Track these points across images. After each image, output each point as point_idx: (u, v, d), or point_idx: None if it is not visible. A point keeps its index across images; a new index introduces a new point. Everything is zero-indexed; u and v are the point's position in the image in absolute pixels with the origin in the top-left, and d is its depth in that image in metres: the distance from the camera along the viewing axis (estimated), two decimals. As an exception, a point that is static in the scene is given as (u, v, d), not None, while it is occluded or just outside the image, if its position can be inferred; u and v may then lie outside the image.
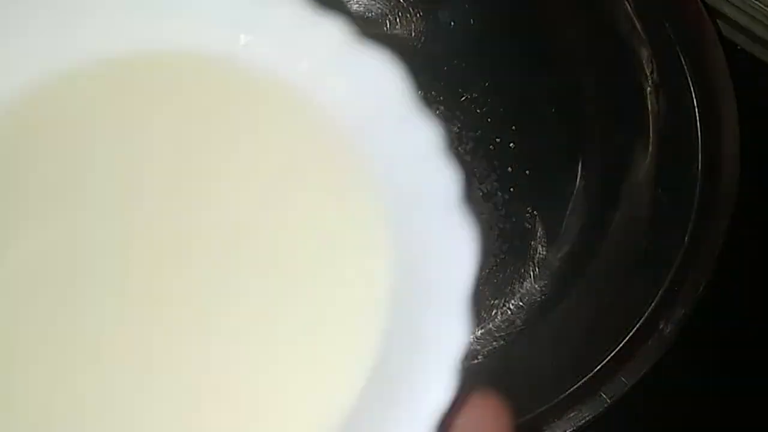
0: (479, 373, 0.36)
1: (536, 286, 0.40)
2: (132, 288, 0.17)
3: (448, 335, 0.15)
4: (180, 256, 0.17)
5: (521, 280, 0.40)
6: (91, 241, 0.17)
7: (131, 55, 0.17)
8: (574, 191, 0.41)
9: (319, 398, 0.16)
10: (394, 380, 0.16)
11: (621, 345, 0.33)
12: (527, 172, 0.42)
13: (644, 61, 0.38)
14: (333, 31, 0.17)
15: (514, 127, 0.43)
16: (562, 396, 0.32)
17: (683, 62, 0.37)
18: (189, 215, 0.17)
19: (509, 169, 0.43)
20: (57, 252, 0.17)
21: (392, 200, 0.17)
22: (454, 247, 0.16)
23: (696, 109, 0.36)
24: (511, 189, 0.42)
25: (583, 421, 0.31)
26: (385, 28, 0.44)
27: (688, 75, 0.36)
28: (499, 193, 0.42)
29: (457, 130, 0.43)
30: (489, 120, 0.43)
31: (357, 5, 0.44)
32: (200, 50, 0.17)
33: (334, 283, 0.17)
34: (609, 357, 0.33)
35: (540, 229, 0.41)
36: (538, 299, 0.39)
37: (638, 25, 0.38)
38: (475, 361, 0.37)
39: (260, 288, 0.17)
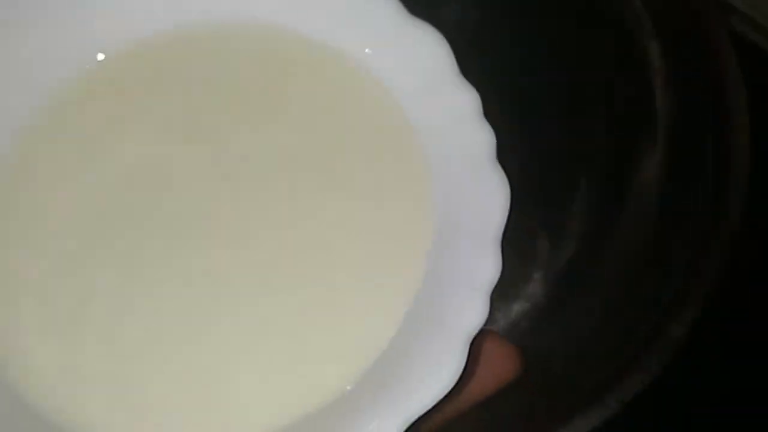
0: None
1: (541, 288, 0.40)
2: (210, 225, 0.19)
3: (481, 270, 0.18)
4: (248, 204, 0.19)
5: (525, 282, 0.40)
6: (171, 182, 0.20)
7: (196, 27, 0.20)
8: (580, 190, 0.41)
9: (378, 312, 0.19)
10: (434, 308, 0.18)
11: (629, 348, 0.33)
12: (531, 171, 0.42)
13: (652, 57, 0.38)
14: (385, 7, 0.20)
15: (518, 126, 0.43)
16: (569, 400, 0.32)
17: (692, 57, 0.37)
18: (255, 172, 0.20)
19: (513, 168, 0.42)
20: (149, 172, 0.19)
21: (435, 159, 0.19)
22: (488, 197, 0.19)
23: (705, 105, 0.36)
24: (515, 188, 0.42)
25: (590, 427, 0.32)
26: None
27: (697, 70, 0.36)
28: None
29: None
30: (492, 118, 0.43)
31: None
32: (261, 21, 0.20)
33: (385, 231, 0.19)
34: (617, 360, 0.33)
35: (544, 230, 0.41)
36: (543, 302, 0.39)
37: (646, 20, 0.38)
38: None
39: (322, 235, 0.19)
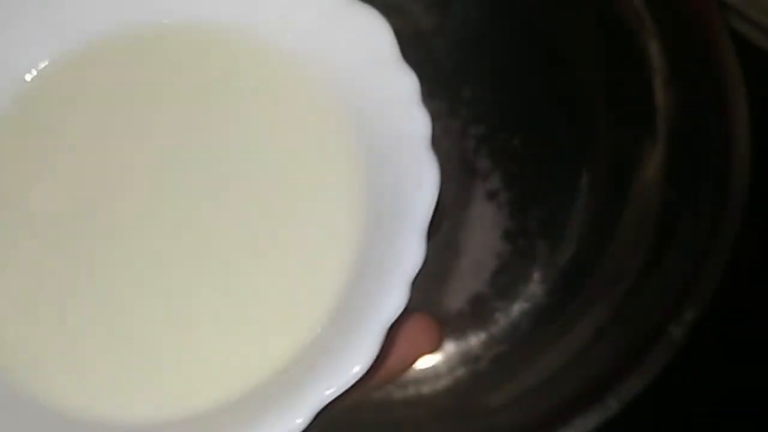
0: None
1: (542, 288, 0.40)
2: (148, 205, 0.21)
3: (405, 258, 0.18)
4: (191, 181, 0.21)
5: (526, 282, 0.40)
6: (117, 173, 0.21)
7: (138, 29, 0.21)
8: (581, 191, 0.41)
9: (306, 298, 0.20)
10: (359, 295, 0.19)
11: (630, 348, 0.33)
12: (532, 170, 0.42)
13: (653, 56, 0.38)
14: None
15: (518, 125, 0.43)
16: (569, 401, 0.32)
17: (693, 57, 0.37)
18: (197, 154, 0.21)
19: (513, 167, 0.42)
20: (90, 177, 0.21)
21: (369, 142, 0.20)
22: (419, 184, 0.19)
23: (706, 104, 0.36)
24: (516, 188, 0.42)
25: (591, 427, 0.32)
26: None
27: (697, 69, 0.36)
28: (503, 192, 0.42)
29: (460, 127, 0.43)
30: (493, 117, 0.43)
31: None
32: (200, 19, 0.21)
33: (315, 217, 0.20)
34: (618, 361, 0.33)
35: (545, 230, 0.41)
36: (544, 302, 0.39)
37: (647, 19, 0.38)
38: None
39: (253, 221, 0.20)
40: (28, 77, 0.21)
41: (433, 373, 0.38)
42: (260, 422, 0.17)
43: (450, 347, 0.39)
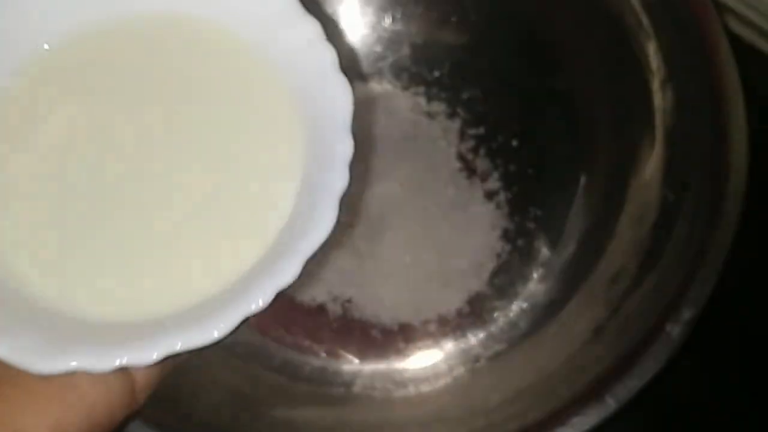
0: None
1: (540, 287, 0.40)
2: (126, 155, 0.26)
3: (333, 183, 0.23)
4: (155, 138, 0.26)
5: (525, 281, 0.40)
6: (108, 130, 0.26)
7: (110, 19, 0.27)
8: (579, 191, 0.41)
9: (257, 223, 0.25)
10: (298, 221, 0.24)
11: (627, 348, 0.33)
12: (530, 170, 0.42)
13: (651, 57, 0.38)
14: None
15: (517, 125, 0.43)
16: (567, 400, 0.32)
17: (690, 58, 0.36)
18: (172, 117, 0.26)
19: (512, 167, 0.42)
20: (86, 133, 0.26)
21: (293, 81, 0.26)
22: (336, 98, 0.24)
23: (703, 105, 0.36)
24: (514, 188, 0.42)
25: (589, 426, 0.31)
26: (386, 24, 0.44)
27: (695, 70, 0.36)
28: (502, 192, 0.42)
29: (459, 128, 0.43)
30: (492, 118, 0.43)
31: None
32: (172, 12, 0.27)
33: (266, 147, 0.26)
34: (615, 360, 0.33)
35: (544, 229, 0.41)
36: (543, 301, 0.39)
37: (644, 21, 0.38)
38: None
39: (212, 159, 0.26)
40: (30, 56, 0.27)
41: (432, 372, 0.39)
42: (191, 329, 0.22)
43: (450, 346, 0.39)
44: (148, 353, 0.21)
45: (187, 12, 0.27)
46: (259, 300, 0.22)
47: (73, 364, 0.21)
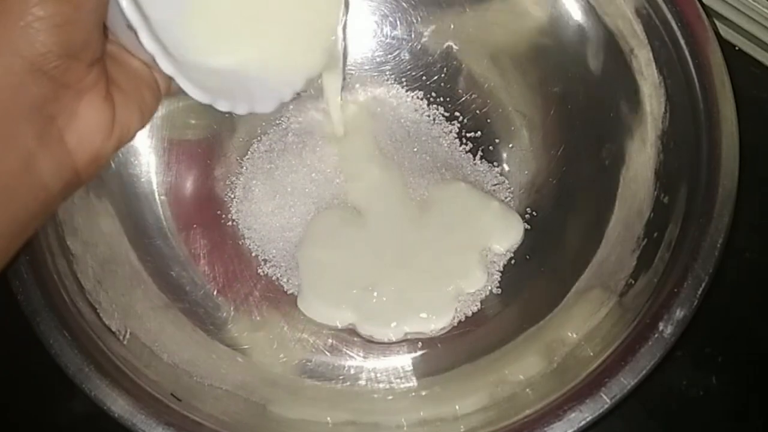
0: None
1: (538, 287, 0.40)
2: None
3: None
4: None
5: (522, 280, 0.40)
6: None
7: None
8: (573, 192, 0.41)
9: None
10: None
11: (621, 346, 0.33)
12: (526, 172, 0.43)
13: (643, 63, 0.38)
14: None
15: (512, 128, 0.43)
16: (562, 396, 0.32)
17: (682, 63, 0.37)
18: None
19: (508, 169, 0.43)
20: None
21: None
22: None
23: (695, 110, 0.36)
24: (510, 189, 0.42)
25: (583, 422, 0.31)
26: (386, 31, 0.44)
27: (686, 76, 0.36)
28: (498, 195, 0.42)
29: (457, 131, 0.44)
30: (488, 121, 0.44)
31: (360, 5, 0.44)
32: None
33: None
34: (609, 358, 0.33)
35: (540, 229, 0.41)
36: (539, 300, 0.39)
37: (637, 27, 0.38)
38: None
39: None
40: None
41: (434, 367, 0.39)
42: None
43: (449, 346, 0.39)
44: None
45: None
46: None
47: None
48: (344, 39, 0.37)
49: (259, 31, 0.32)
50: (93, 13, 0.24)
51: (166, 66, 0.26)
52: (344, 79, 0.41)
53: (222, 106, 0.29)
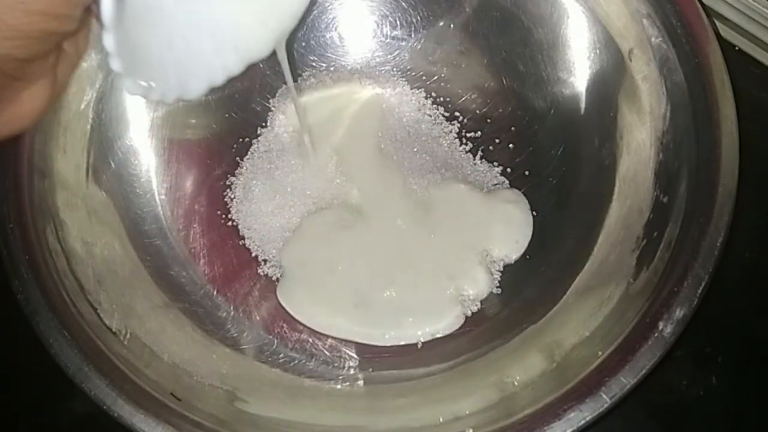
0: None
1: (536, 286, 0.40)
2: None
3: None
4: None
5: (520, 280, 0.40)
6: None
7: None
8: (574, 192, 0.41)
9: None
10: None
11: (620, 345, 0.33)
12: (526, 172, 0.43)
13: (643, 63, 0.38)
14: None
15: (512, 128, 0.43)
16: (562, 396, 0.32)
17: (682, 63, 0.37)
18: None
19: (508, 169, 0.43)
20: None
21: None
22: None
23: (695, 110, 0.36)
24: (512, 188, 0.42)
25: (583, 422, 0.31)
26: (385, 30, 0.44)
27: (686, 75, 0.37)
28: (499, 195, 0.42)
29: (457, 131, 0.44)
30: (488, 121, 0.44)
31: (359, 5, 0.45)
32: None
33: None
34: (609, 357, 0.33)
35: (538, 229, 0.41)
36: (538, 300, 0.39)
37: (636, 27, 0.38)
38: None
39: None
40: None
41: (433, 370, 0.39)
42: None
43: (449, 345, 0.39)
44: None
45: None
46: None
47: None
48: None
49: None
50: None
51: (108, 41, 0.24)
52: (295, 81, 0.42)
53: (153, 97, 0.28)
